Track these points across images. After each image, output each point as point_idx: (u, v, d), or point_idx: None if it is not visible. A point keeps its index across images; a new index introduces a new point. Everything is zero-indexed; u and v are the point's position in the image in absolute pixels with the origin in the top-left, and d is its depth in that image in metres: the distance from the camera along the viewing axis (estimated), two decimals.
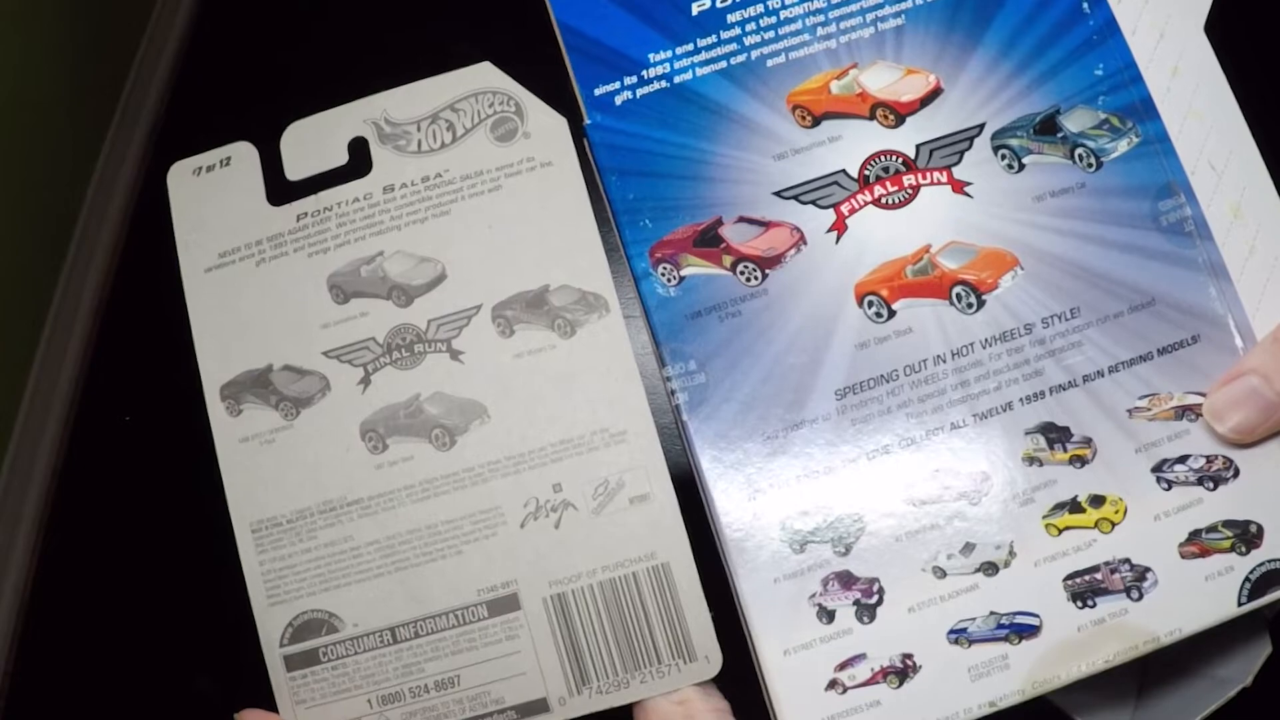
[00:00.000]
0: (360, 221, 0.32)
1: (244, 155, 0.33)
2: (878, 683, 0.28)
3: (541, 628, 0.30)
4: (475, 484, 0.30)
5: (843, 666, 0.29)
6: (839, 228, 0.31)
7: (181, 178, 0.33)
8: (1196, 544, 0.29)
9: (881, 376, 0.30)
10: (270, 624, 0.31)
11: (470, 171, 0.32)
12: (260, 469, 0.31)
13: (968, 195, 0.30)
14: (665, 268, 0.30)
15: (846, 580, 0.29)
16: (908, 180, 0.30)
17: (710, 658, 0.29)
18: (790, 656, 0.29)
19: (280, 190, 0.32)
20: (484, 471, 0.30)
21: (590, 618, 0.30)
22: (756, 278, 0.30)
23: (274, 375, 0.31)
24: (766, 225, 0.31)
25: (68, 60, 0.56)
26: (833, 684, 0.28)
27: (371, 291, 0.31)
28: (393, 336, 0.31)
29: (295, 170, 0.32)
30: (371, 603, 0.30)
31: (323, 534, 0.31)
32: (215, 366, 0.32)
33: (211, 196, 0.32)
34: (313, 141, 0.32)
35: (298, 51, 0.61)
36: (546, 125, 0.32)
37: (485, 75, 0.32)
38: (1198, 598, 0.28)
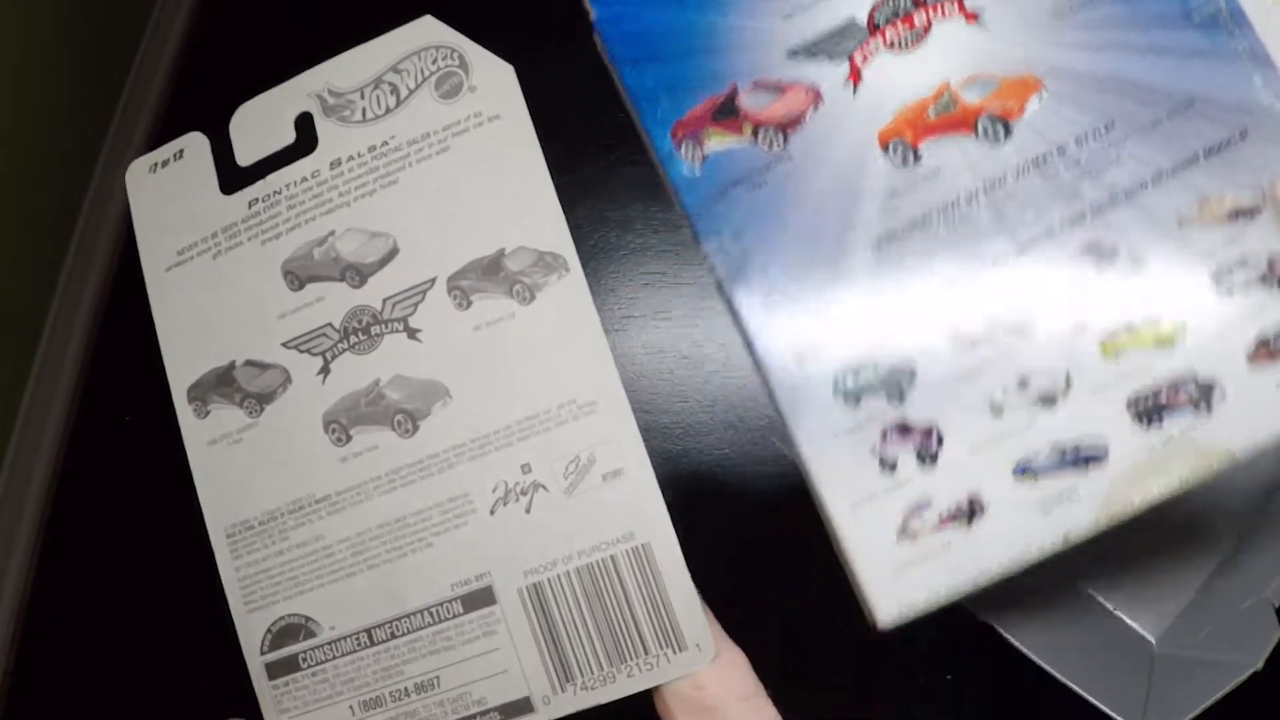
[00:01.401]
0: (309, 202, 0.30)
1: (196, 145, 0.31)
2: (947, 527, 0.27)
3: (519, 621, 0.28)
4: (441, 470, 0.28)
5: (911, 514, 0.27)
6: (854, 78, 0.29)
7: (139, 176, 0.32)
8: (1265, 350, 0.27)
9: (915, 221, 0.28)
10: (250, 631, 0.30)
11: (417, 135, 0.30)
12: (230, 471, 0.30)
13: (982, 25, 0.29)
14: (688, 145, 0.29)
15: (904, 429, 0.28)
16: (918, 19, 0.29)
17: (702, 645, 0.27)
18: (858, 510, 0.27)
19: (232, 178, 0.31)
20: (449, 456, 0.28)
21: (570, 608, 0.28)
22: (779, 143, 0.29)
23: (237, 372, 0.30)
24: (782, 89, 0.29)
25: (68, 60, 0.56)
26: (904, 532, 0.27)
27: (325, 274, 0.30)
28: (349, 320, 0.30)
29: (245, 155, 0.31)
30: (347, 603, 0.29)
31: (294, 534, 0.29)
32: (181, 367, 0.31)
33: (168, 192, 0.31)
34: (260, 123, 0.31)
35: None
36: (492, 75, 0.30)
37: (426, 30, 0.30)
38: (1271, 407, 0.27)
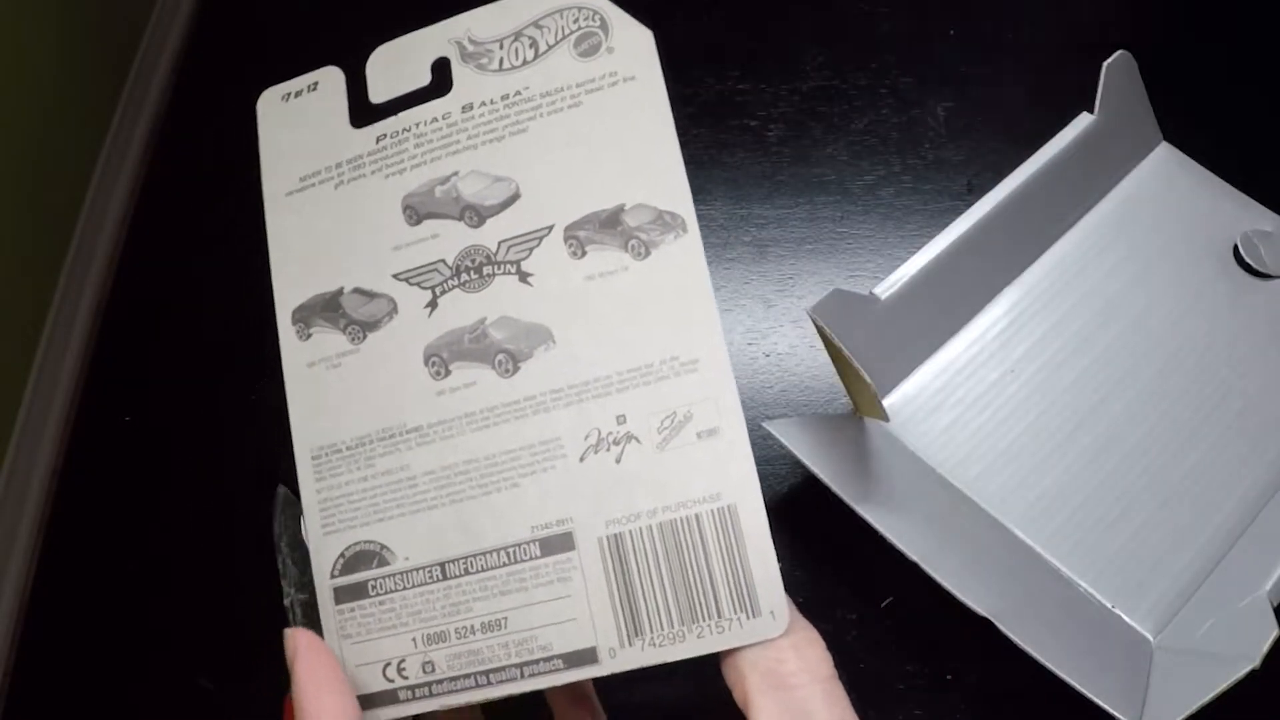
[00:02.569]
0: (437, 142, 0.30)
1: (331, 79, 0.32)
2: None
3: (595, 570, 0.27)
4: (536, 413, 0.28)
5: None
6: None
7: (271, 103, 0.33)
8: None
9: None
10: (324, 554, 0.30)
11: (551, 88, 0.30)
12: (324, 394, 0.30)
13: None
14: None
15: None
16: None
17: (776, 613, 0.26)
18: None
19: (363, 113, 0.32)
20: (546, 400, 0.28)
21: (647, 562, 0.27)
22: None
23: (344, 298, 0.30)
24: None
25: (68, 60, 0.55)
26: None
27: (444, 212, 0.30)
28: (462, 258, 0.30)
29: (379, 93, 0.31)
30: (424, 536, 0.29)
31: (380, 462, 0.29)
32: (288, 290, 0.31)
33: (297, 121, 0.32)
34: (397, 64, 0.31)
35: None
36: (631, 39, 0.30)
37: None
38: None
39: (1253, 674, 0.35)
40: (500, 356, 0.29)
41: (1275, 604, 0.39)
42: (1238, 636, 0.38)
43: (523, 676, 0.28)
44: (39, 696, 0.48)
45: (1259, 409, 0.50)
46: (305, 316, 0.31)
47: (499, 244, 0.29)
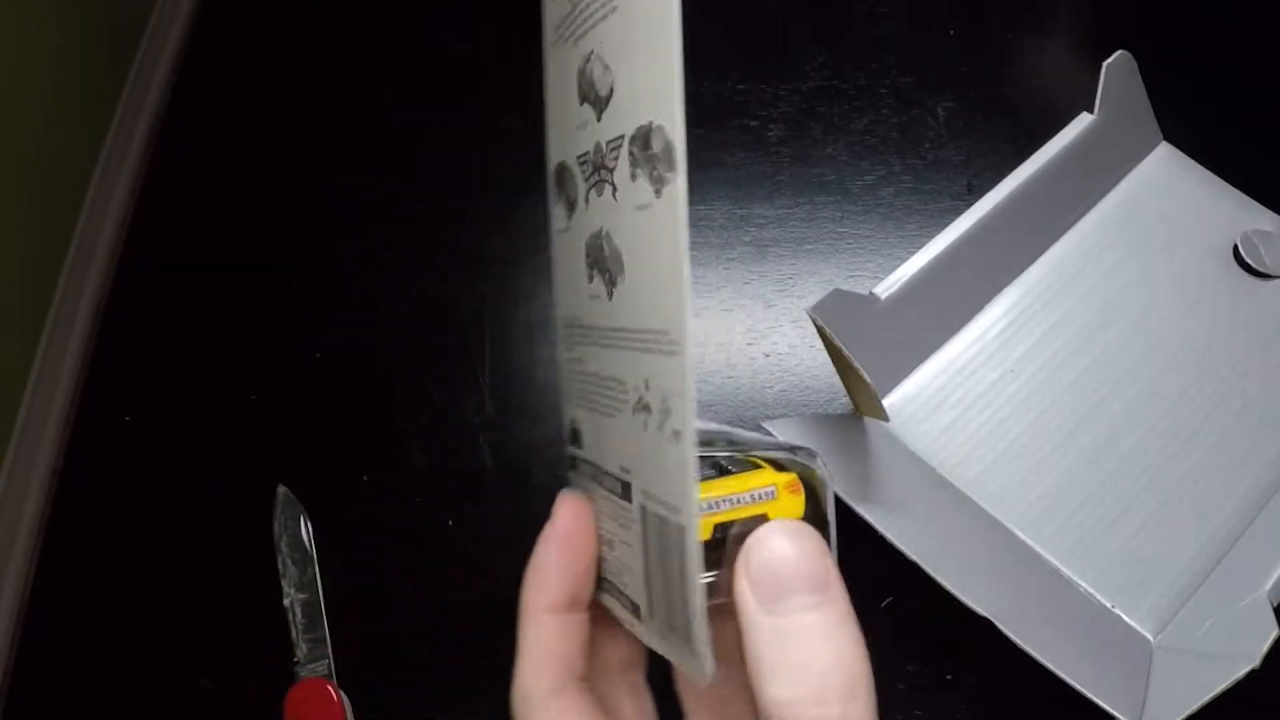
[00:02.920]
0: (588, 10, 0.24)
1: None
2: None
3: (639, 532, 0.23)
4: (617, 347, 0.23)
5: None
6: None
7: None
8: None
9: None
10: (564, 419, 0.27)
11: None
12: (561, 264, 0.26)
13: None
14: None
15: None
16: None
17: (704, 659, 0.20)
18: None
19: None
20: (616, 337, 0.24)
21: (652, 548, 0.23)
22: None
23: (564, 171, 0.26)
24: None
25: (68, 60, 0.55)
26: None
27: (587, 96, 0.24)
28: (595, 154, 0.24)
29: None
30: (590, 433, 0.25)
31: (578, 349, 0.26)
32: (549, 151, 0.27)
33: None
34: None
35: None
36: None
37: None
38: None
39: (1253, 674, 0.31)
40: (608, 274, 0.23)
41: (1275, 604, 0.35)
42: (1238, 636, 0.34)
43: (621, 607, 0.24)
44: (39, 696, 0.44)
45: (1259, 409, 0.46)
46: (553, 183, 0.26)
47: (605, 145, 0.23)
